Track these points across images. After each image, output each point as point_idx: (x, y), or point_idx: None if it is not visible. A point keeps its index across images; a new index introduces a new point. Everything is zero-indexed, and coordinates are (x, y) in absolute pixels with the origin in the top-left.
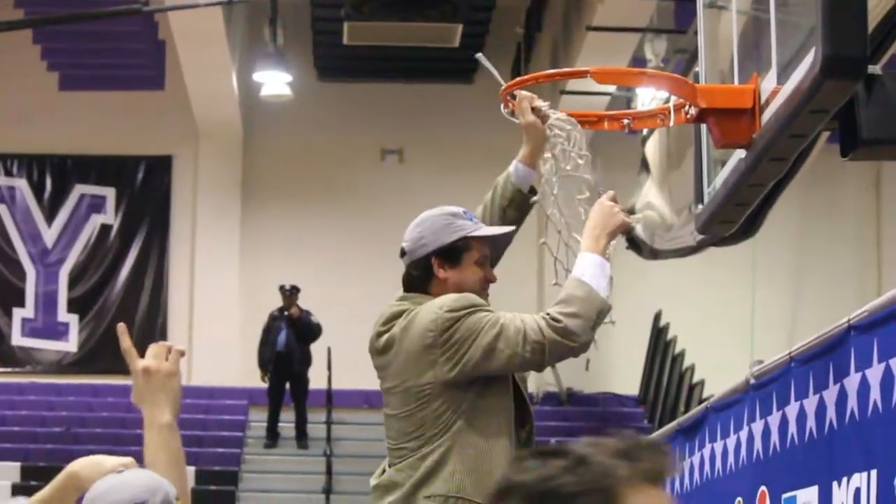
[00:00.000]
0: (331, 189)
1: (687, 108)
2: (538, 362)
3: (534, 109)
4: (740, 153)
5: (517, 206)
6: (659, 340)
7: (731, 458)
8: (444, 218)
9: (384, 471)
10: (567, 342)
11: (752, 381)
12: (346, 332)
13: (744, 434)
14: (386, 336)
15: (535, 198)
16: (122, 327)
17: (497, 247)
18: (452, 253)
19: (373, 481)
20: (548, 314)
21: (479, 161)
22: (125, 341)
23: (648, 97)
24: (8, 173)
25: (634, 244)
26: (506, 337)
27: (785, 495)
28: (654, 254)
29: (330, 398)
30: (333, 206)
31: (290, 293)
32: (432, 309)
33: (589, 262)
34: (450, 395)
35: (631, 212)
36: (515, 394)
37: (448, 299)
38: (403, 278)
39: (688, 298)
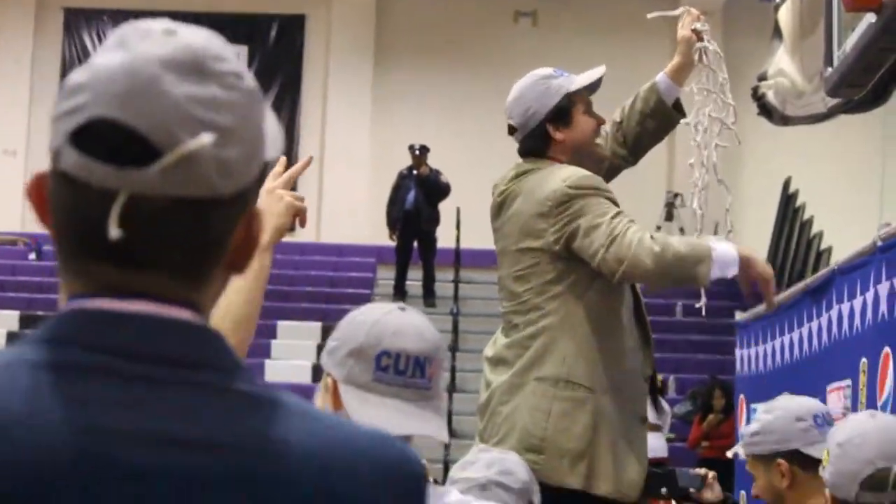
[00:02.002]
0: (463, 51)
1: None
2: (611, 272)
3: (694, 31)
4: (870, 17)
5: (659, 117)
6: (788, 206)
7: (857, 320)
8: (541, 82)
9: (496, 341)
10: (640, 273)
11: (879, 243)
12: (474, 192)
13: (870, 296)
14: (503, 195)
15: (685, 119)
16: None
17: (592, 90)
18: (561, 112)
19: (486, 351)
20: (654, 239)
21: (613, 25)
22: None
23: None
24: None
25: (766, 110)
26: (602, 231)
27: None
28: (785, 120)
29: (458, 257)
30: (465, 68)
31: (420, 153)
32: (556, 179)
33: (726, 250)
34: (558, 266)
35: (763, 78)
36: (635, 305)
37: (574, 175)
38: (519, 152)
39: (818, 166)
